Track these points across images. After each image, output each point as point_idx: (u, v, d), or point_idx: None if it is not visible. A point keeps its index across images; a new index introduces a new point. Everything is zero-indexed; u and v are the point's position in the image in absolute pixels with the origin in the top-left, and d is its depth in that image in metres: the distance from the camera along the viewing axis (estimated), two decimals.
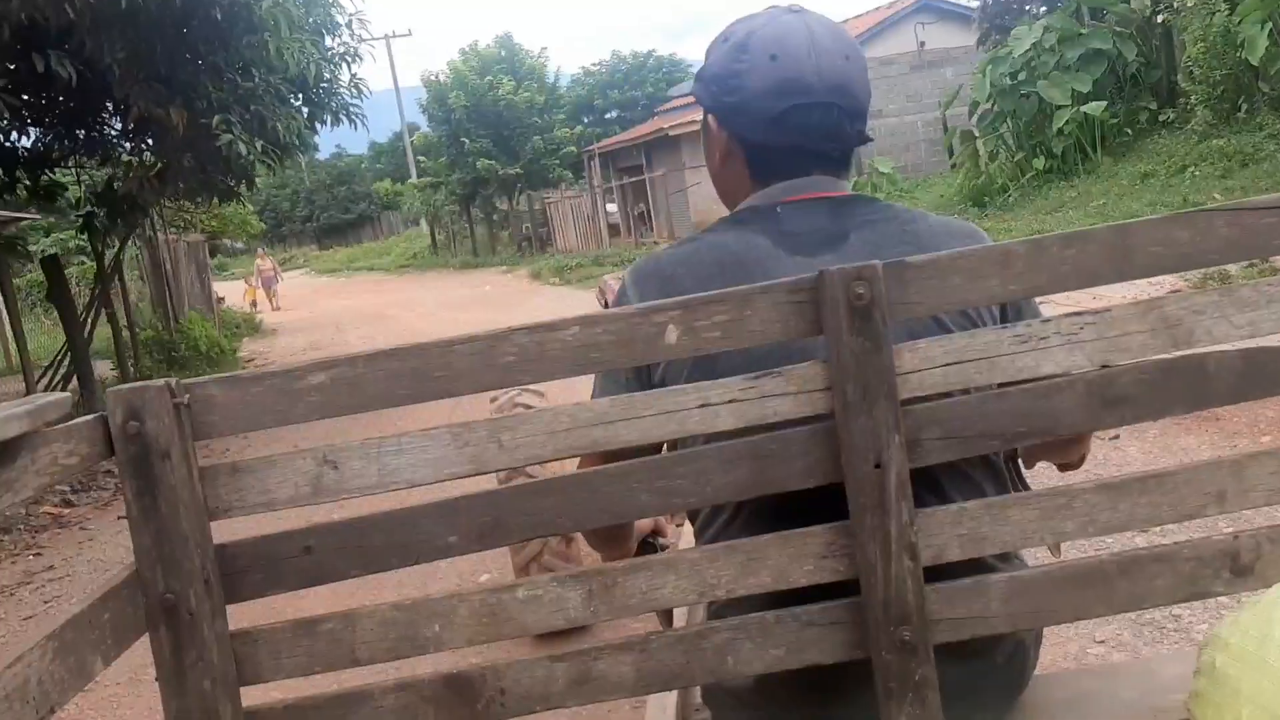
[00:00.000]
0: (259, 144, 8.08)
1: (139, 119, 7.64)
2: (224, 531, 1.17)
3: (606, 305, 6.11)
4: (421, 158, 34.00)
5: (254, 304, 24.15)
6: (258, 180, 10.52)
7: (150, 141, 8.92)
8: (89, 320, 10.85)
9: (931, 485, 1.24)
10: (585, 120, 39.86)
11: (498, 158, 29.94)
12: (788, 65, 1.32)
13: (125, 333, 11.75)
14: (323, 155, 70.80)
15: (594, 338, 1.15)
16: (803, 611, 1.19)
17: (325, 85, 10.09)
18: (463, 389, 1.16)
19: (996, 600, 1.19)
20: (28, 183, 10.62)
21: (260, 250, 26.49)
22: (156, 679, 1.17)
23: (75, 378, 10.11)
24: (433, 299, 21.05)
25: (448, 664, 1.32)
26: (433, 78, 30.99)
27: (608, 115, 42.62)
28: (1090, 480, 1.21)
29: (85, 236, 11.04)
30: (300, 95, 10.19)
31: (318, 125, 10.37)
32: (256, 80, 8.46)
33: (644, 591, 1.19)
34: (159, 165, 8.82)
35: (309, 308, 24.00)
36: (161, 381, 1.15)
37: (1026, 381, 1.17)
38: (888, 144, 23.75)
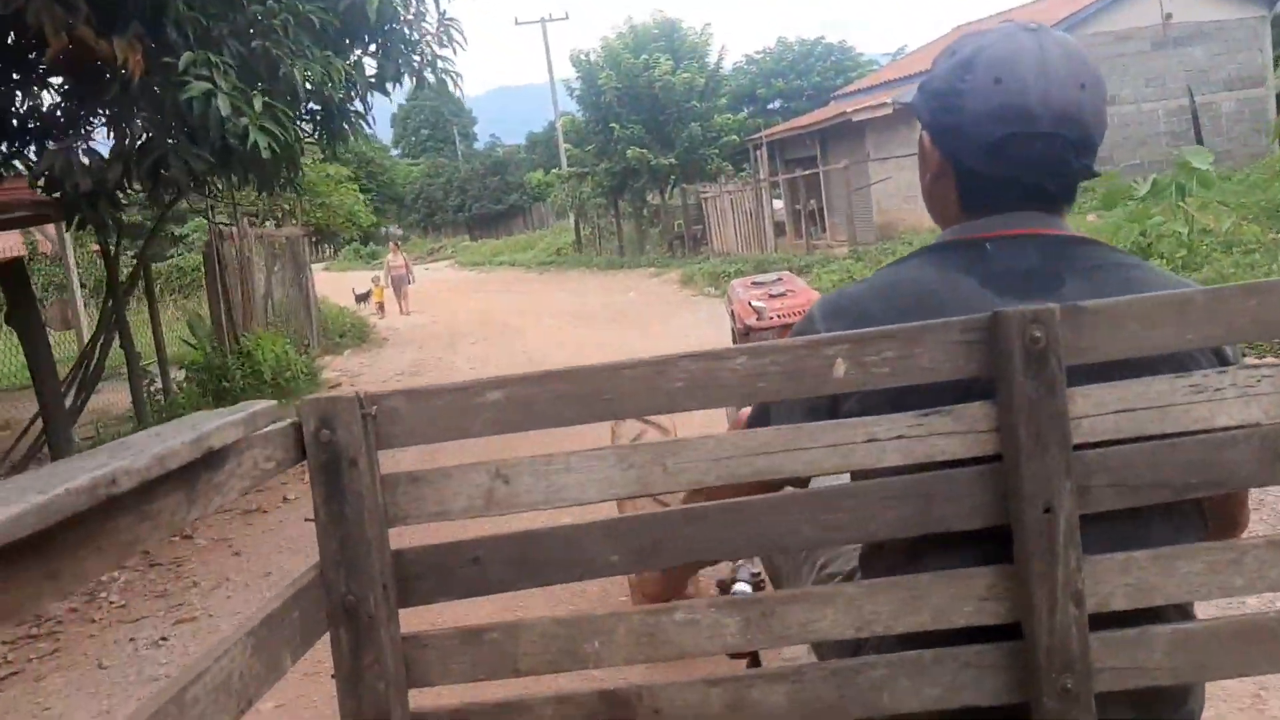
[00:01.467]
0: (261, 101, 5.10)
1: (66, 56, 4.75)
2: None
3: (733, 314, 5.47)
4: (569, 146, 31.15)
5: (381, 307, 21.11)
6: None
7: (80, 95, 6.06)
8: (96, 346, 8.22)
9: (1098, 529, 1.16)
10: (746, 110, 36.40)
11: (650, 146, 26.56)
12: (1012, 90, 1.24)
13: (151, 358, 9.14)
14: (479, 144, 70.26)
15: (762, 368, 1.15)
16: (962, 652, 1.17)
17: (398, 27, 7.12)
18: (629, 412, 1.19)
19: (1160, 652, 1.17)
20: (33, 160, 8.09)
21: (393, 244, 23.44)
22: (334, 677, 1.20)
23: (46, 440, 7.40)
24: (568, 306, 18.19)
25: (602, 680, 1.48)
26: (583, 56, 27.95)
27: (770, 105, 39.22)
28: (1262, 535, 1.18)
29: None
30: (371, 42, 7.28)
31: (390, 85, 7.42)
32: (271, 3, 5.52)
33: (801, 623, 1.19)
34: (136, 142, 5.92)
35: (435, 310, 21.16)
36: (351, 393, 1.19)
37: (1201, 432, 1.14)
38: (1120, 136, 19.61)
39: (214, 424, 1.03)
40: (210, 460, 1.03)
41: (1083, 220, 12.42)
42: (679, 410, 1.19)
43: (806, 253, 19.95)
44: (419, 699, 1.22)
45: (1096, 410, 1.13)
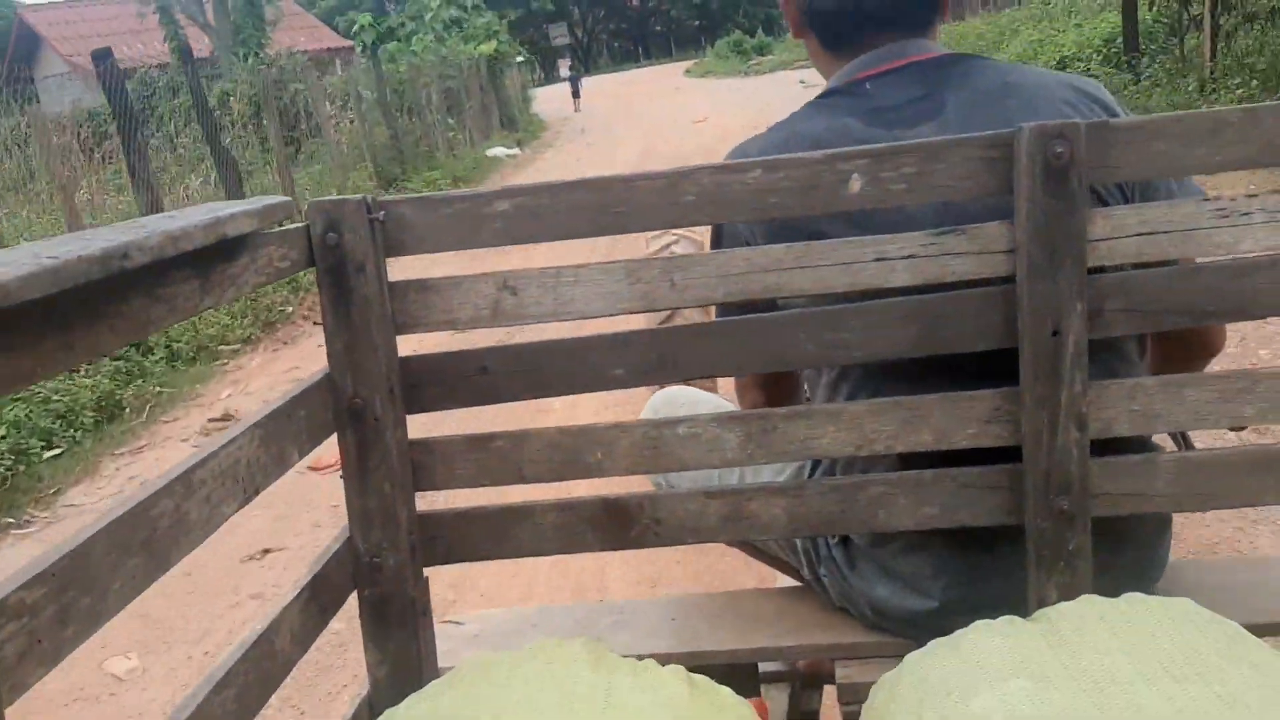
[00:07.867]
0: None
1: None
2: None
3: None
4: None
5: None
6: None
7: None
8: None
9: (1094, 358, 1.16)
10: None
11: None
12: None
13: None
14: None
15: (776, 183, 1.14)
16: (960, 473, 1.19)
17: None
18: (642, 225, 1.18)
19: (1164, 480, 1.17)
20: None
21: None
22: (342, 477, 1.23)
23: None
24: None
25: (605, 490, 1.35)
26: None
27: None
28: (1277, 365, 1.14)
29: None
30: None
31: None
32: None
33: (802, 439, 1.20)
34: None
35: None
36: (359, 197, 1.19)
37: (1223, 259, 1.13)
38: None
39: (229, 211, 1.03)
40: (226, 250, 1.04)
41: None
42: (691, 224, 1.20)
43: None
44: (425, 502, 1.27)
45: (1117, 232, 1.11)
